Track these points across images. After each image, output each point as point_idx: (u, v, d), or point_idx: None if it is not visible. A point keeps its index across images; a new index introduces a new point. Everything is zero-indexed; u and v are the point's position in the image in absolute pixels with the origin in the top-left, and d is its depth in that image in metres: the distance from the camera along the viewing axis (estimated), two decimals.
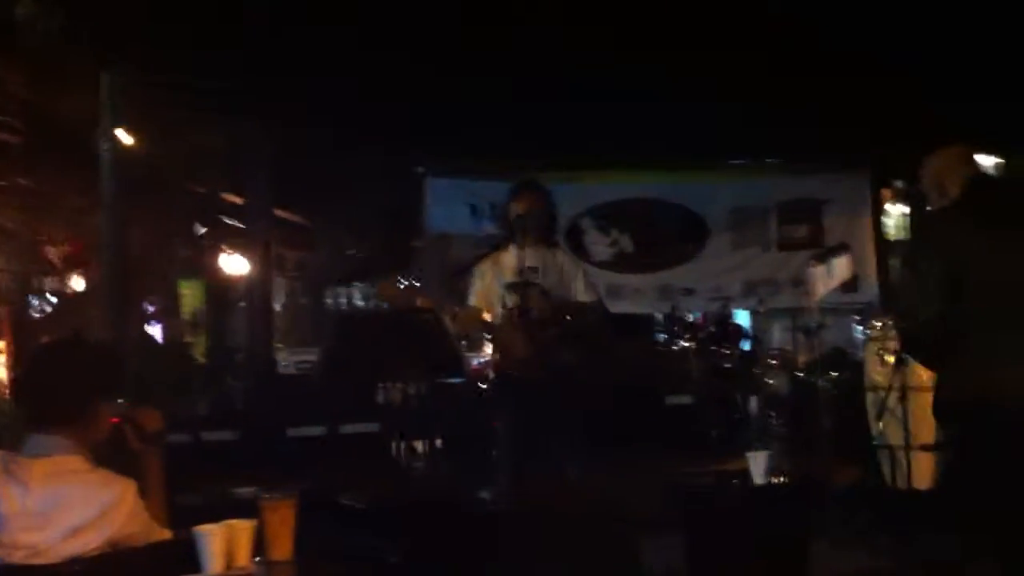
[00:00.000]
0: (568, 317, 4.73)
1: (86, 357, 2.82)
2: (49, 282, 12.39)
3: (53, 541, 2.46)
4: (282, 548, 2.65)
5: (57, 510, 2.49)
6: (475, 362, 9.28)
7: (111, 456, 2.72)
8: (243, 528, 2.58)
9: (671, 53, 7.56)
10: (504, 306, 4.72)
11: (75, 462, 2.59)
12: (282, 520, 2.65)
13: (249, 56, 7.38)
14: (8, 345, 11.73)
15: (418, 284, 4.80)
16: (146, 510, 2.62)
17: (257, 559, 2.61)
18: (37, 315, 12.37)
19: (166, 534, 2.67)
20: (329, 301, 16.10)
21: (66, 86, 8.76)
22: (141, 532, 2.57)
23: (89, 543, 2.48)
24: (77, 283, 12.93)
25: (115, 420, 2.75)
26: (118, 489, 2.55)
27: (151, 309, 14.93)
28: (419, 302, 4.74)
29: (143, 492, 2.62)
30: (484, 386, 7.86)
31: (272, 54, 7.37)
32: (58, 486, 2.52)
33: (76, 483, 2.54)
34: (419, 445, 6.19)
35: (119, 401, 2.83)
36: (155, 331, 14.71)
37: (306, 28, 7.23)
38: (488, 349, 10.90)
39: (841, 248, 8.93)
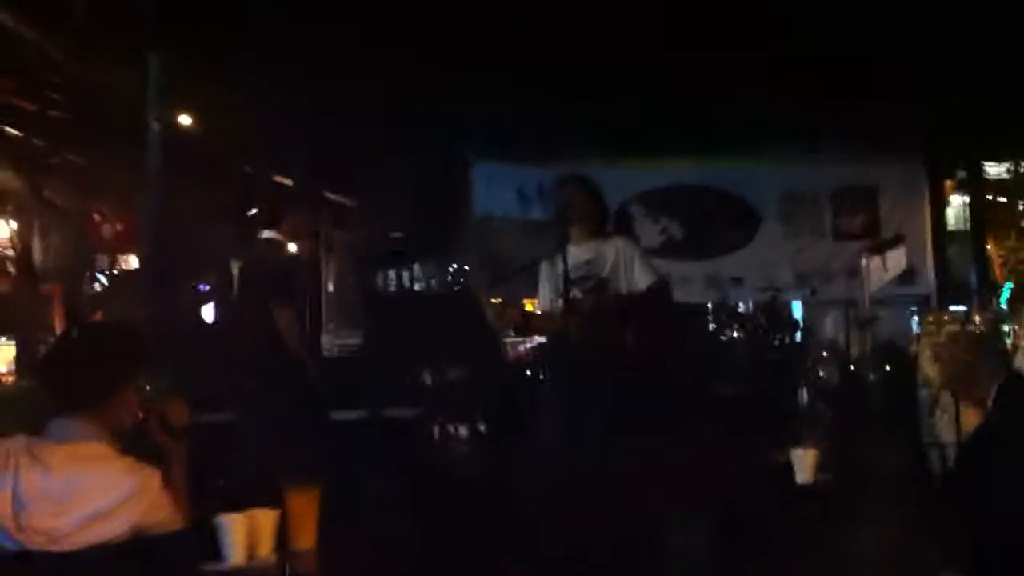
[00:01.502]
0: (626, 305, 4.68)
1: (112, 342, 2.78)
2: (101, 260, 12.51)
3: (72, 527, 2.43)
4: (305, 537, 2.62)
5: (78, 496, 2.46)
6: (520, 347, 9.24)
7: (139, 447, 2.68)
8: (266, 517, 2.55)
9: (722, 38, 7.41)
10: (564, 300, 4.70)
11: (98, 448, 2.56)
12: (305, 509, 2.61)
13: (297, 39, 7.35)
14: (60, 324, 11.87)
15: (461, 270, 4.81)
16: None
17: (282, 549, 2.58)
18: (90, 294, 12.50)
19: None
20: (377, 283, 16.15)
21: (115, 63, 8.80)
22: (163, 523, 2.53)
23: (109, 531, 2.45)
24: (130, 262, 13.06)
25: (141, 413, 2.71)
26: (141, 477, 2.52)
27: (205, 289, 15.05)
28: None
29: (166, 484, 2.58)
30: (528, 372, 7.83)
31: (321, 35, 7.33)
32: (80, 471, 2.49)
33: (98, 469, 2.51)
34: (458, 430, 6.17)
35: (146, 388, 2.79)
36: (206, 310, 14.83)
37: (356, 10, 7.19)
38: (537, 337, 10.89)
39: (897, 239, 8.78)
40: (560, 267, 4.69)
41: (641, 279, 4.78)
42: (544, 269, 5.03)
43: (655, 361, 4.74)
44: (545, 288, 5.01)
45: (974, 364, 3.39)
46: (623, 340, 4.65)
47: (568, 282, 4.60)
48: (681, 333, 7.22)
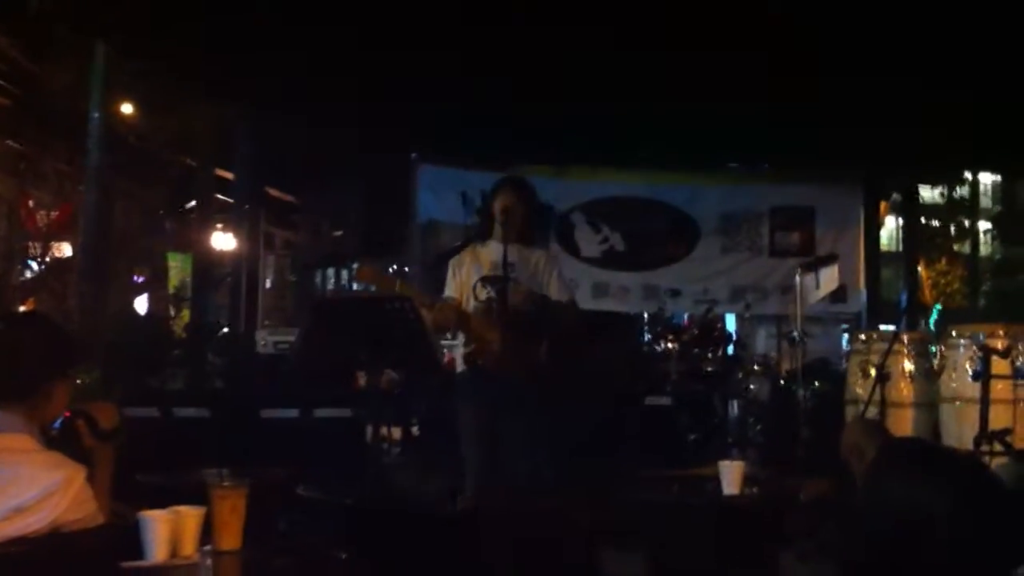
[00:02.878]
0: (541, 314, 4.68)
1: (44, 334, 2.75)
2: (33, 248, 12.30)
3: None
4: (230, 538, 2.58)
5: (0, 487, 2.42)
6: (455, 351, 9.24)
7: (63, 448, 2.64)
8: (191, 515, 2.52)
9: (668, 55, 7.49)
10: (477, 298, 4.68)
11: (23, 441, 2.52)
12: (232, 509, 2.58)
13: (242, 33, 7.30)
14: None
15: (402, 272, 4.70)
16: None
17: (205, 548, 2.55)
18: (21, 281, 12.29)
19: None
20: (316, 281, 16.10)
21: (60, 52, 8.69)
22: (86, 520, 2.49)
23: (31, 525, 2.41)
24: (64, 250, 12.86)
25: (68, 415, 2.67)
26: (66, 473, 2.48)
27: (139, 280, 14.88)
28: (398, 287, 4.67)
29: (90, 485, 2.54)
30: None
31: (266, 31, 7.28)
32: (4, 464, 2.45)
33: (22, 462, 2.47)
34: (389, 434, 6.16)
35: (77, 382, 2.75)
36: (140, 302, 14.66)
37: (302, 6, 7.15)
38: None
39: (830, 258, 8.91)
40: (479, 262, 4.69)
41: (555, 295, 4.80)
42: (459, 257, 4.90)
43: (560, 372, 4.75)
44: (454, 275, 4.86)
45: (861, 446, 3.89)
46: (532, 349, 4.63)
47: (486, 280, 4.60)
48: (587, 353, 7.28)
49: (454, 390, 4.68)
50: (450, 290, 4.80)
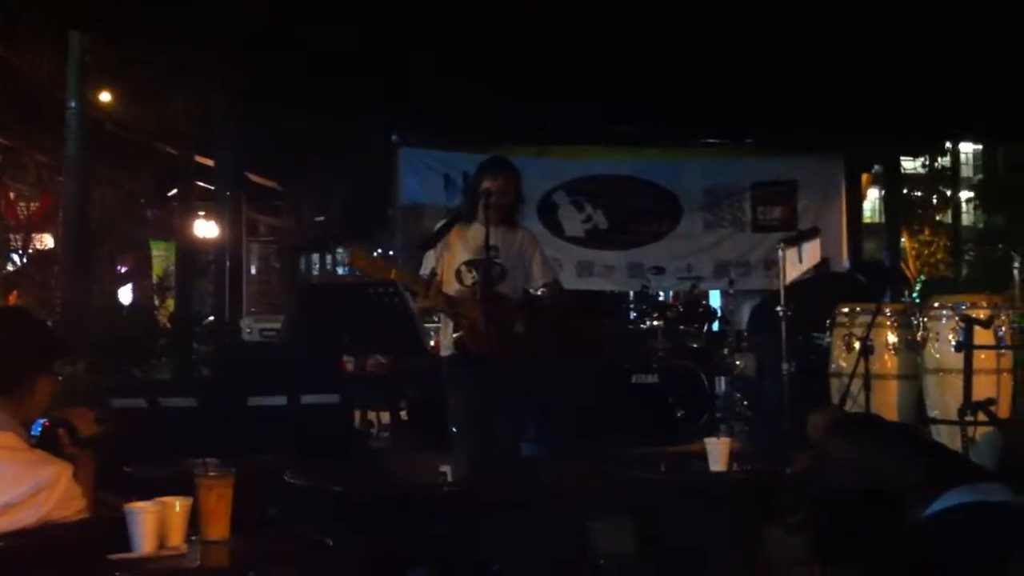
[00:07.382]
0: (526, 296, 4.70)
1: (25, 329, 2.75)
2: (14, 240, 12.25)
3: None
4: (218, 527, 2.59)
5: None
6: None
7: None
8: (177, 506, 2.52)
9: (646, 30, 7.48)
10: (463, 283, 4.67)
11: (9, 438, 2.52)
12: (218, 498, 2.59)
13: (219, 20, 7.25)
14: None
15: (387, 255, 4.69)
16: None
17: (192, 538, 2.56)
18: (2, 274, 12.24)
19: None
20: (300, 267, 16.07)
21: (36, 41, 8.63)
22: (73, 516, 2.50)
23: (20, 521, 2.42)
24: (46, 242, 12.81)
25: (48, 424, 2.67)
26: (53, 470, 2.49)
27: (122, 270, 14.83)
28: (393, 275, 4.66)
29: None
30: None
31: (243, 16, 7.24)
32: None
33: (9, 460, 2.47)
34: (377, 419, 6.16)
35: (59, 378, 2.75)
36: (124, 292, 14.62)
37: None
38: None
39: (813, 231, 8.93)
40: (465, 244, 4.68)
41: (538, 276, 4.81)
42: (445, 243, 4.82)
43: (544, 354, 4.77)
44: (438, 256, 4.77)
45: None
46: (518, 331, 4.65)
47: (470, 263, 4.60)
48: (573, 332, 7.29)
49: (443, 374, 4.68)
50: (431, 265, 4.75)
